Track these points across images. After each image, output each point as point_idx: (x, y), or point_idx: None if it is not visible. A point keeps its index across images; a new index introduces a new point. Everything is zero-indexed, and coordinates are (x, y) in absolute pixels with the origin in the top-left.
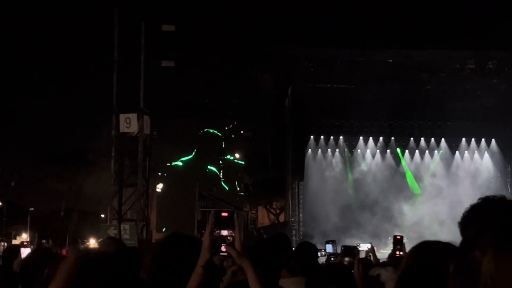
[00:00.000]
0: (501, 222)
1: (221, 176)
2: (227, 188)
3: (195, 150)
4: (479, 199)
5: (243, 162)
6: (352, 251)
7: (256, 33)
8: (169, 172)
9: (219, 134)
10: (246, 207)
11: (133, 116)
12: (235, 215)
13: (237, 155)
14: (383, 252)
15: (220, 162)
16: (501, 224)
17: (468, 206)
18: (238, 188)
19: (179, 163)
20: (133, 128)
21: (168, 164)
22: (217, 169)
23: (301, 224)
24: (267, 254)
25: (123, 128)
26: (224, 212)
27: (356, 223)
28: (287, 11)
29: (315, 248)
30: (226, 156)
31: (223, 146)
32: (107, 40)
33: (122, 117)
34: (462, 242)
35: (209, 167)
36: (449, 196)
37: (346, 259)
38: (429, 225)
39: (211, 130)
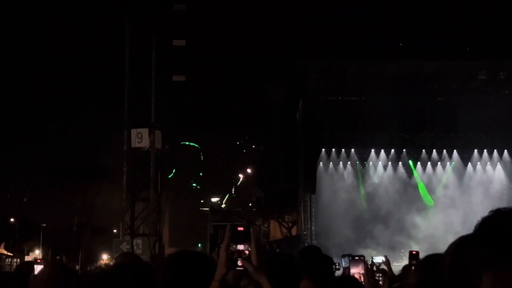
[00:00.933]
0: (486, 239)
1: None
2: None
3: (174, 168)
4: (490, 211)
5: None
6: (359, 261)
7: (266, 47)
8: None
9: (196, 145)
10: (258, 220)
11: (145, 131)
12: (251, 229)
13: (248, 170)
14: (397, 265)
15: (201, 173)
16: (489, 242)
17: (480, 219)
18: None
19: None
20: (145, 142)
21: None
22: (197, 184)
23: (313, 237)
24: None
25: (134, 143)
26: (240, 226)
27: (370, 235)
28: (296, 24)
29: (319, 251)
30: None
31: (202, 158)
32: (118, 55)
33: (133, 132)
34: (452, 270)
35: (194, 183)
36: (462, 207)
37: (354, 271)
38: (443, 236)
39: (187, 143)
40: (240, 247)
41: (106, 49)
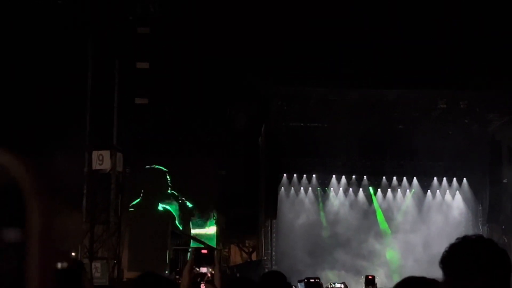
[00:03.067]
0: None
1: (175, 215)
2: (180, 228)
3: (142, 191)
4: (457, 238)
5: (191, 205)
6: (316, 285)
7: (230, 71)
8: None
9: (163, 168)
10: (218, 245)
11: (106, 153)
12: (215, 252)
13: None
14: None
15: (171, 194)
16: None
17: (448, 246)
18: (191, 229)
19: (131, 209)
20: (106, 165)
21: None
22: (170, 207)
23: (274, 262)
24: None
25: (95, 165)
26: (204, 249)
27: (330, 261)
28: (260, 50)
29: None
30: (175, 193)
31: (169, 180)
32: (80, 77)
33: (94, 153)
34: None
35: (161, 205)
36: (421, 235)
37: None
38: (403, 262)
39: (155, 166)
40: (203, 270)
41: (68, 70)
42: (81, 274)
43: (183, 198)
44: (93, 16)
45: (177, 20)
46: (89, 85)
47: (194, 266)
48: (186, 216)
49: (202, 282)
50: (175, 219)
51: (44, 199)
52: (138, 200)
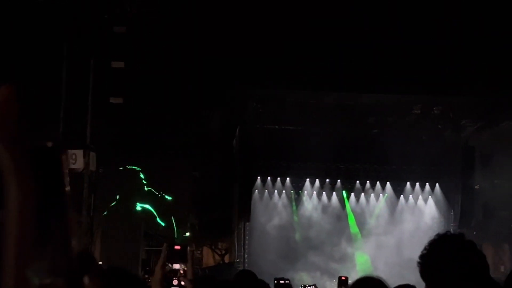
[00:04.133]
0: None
1: (154, 212)
2: (163, 224)
3: (118, 194)
4: (436, 235)
5: (170, 198)
6: (285, 287)
7: (205, 72)
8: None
9: (136, 168)
10: (191, 246)
11: (79, 153)
12: (188, 248)
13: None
14: None
15: (148, 192)
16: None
17: (427, 244)
18: (174, 224)
19: (105, 212)
20: (79, 164)
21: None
22: (149, 205)
23: (246, 265)
24: None
25: (68, 164)
26: (177, 245)
27: (303, 264)
28: (236, 51)
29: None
30: (152, 190)
31: (143, 177)
32: (55, 76)
33: (68, 153)
34: None
35: (139, 205)
36: (393, 239)
37: None
38: (375, 265)
39: (129, 167)
40: (176, 266)
41: (42, 68)
42: (60, 159)
43: (161, 193)
44: (69, 14)
45: (154, 20)
46: (64, 84)
47: (166, 262)
48: (167, 211)
49: (174, 278)
50: (155, 218)
51: (23, 182)
52: (114, 203)
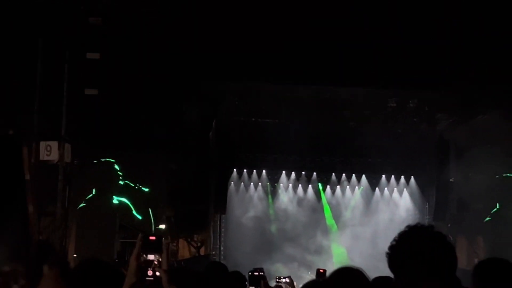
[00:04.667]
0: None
1: (131, 206)
2: (140, 218)
3: (93, 187)
4: (406, 226)
5: (147, 189)
6: (259, 279)
7: (182, 65)
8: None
9: (111, 160)
10: (167, 239)
11: (54, 144)
12: (163, 239)
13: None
14: None
15: (124, 185)
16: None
17: (397, 235)
18: (152, 217)
19: (83, 204)
20: (54, 156)
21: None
22: (126, 198)
23: (222, 257)
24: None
25: (43, 155)
26: (152, 236)
27: (279, 256)
28: (212, 44)
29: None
30: (128, 182)
31: (118, 169)
32: (29, 67)
33: (42, 144)
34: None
35: (116, 198)
36: (368, 231)
37: None
38: (351, 258)
39: (103, 159)
40: (151, 257)
41: (17, 59)
42: (20, 147)
43: (138, 185)
44: (44, 5)
45: (130, 11)
46: (39, 75)
47: (141, 253)
48: (145, 203)
49: (149, 269)
50: (131, 211)
51: None
52: (90, 195)
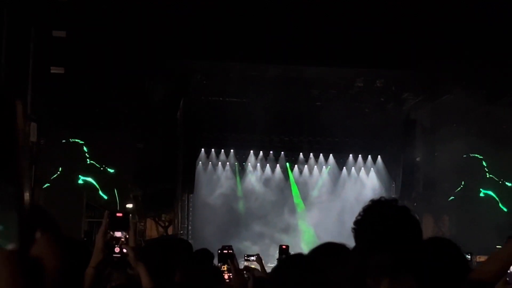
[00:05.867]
0: (393, 249)
1: (97, 186)
2: (105, 198)
3: (59, 166)
4: (370, 200)
5: (112, 170)
6: (227, 257)
7: (149, 44)
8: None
9: (79, 141)
10: (134, 218)
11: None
12: (130, 215)
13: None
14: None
15: (90, 165)
16: (393, 253)
17: (361, 210)
18: (117, 197)
19: (47, 184)
20: None
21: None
22: (92, 178)
23: (190, 237)
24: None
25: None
26: (119, 212)
27: (247, 235)
28: (179, 23)
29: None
30: (94, 163)
31: (86, 150)
32: None
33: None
34: (354, 267)
35: (81, 177)
36: (335, 209)
37: (224, 267)
38: (318, 236)
39: (72, 139)
40: (118, 234)
41: None
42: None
43: (104, 166)
44: None
45: None
46: (3, 54)
47: (108, 230)
48: (110, 184)
49: (116, 245)
50: (98, 191)
51: None
52: (56, 175)
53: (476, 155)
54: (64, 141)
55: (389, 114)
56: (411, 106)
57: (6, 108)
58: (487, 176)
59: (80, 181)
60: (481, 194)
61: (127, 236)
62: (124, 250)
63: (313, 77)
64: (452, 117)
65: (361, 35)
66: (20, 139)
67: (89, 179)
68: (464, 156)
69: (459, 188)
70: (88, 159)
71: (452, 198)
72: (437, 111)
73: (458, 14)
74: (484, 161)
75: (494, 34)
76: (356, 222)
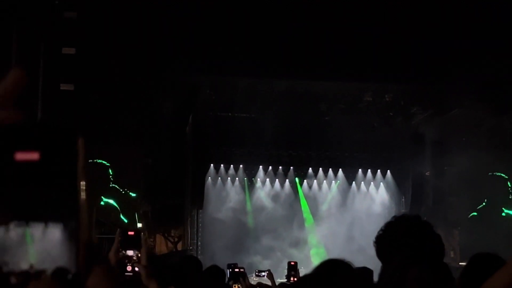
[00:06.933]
0: (423, 255)
1: (118, 209)
2: (126, 221)
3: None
4: (393, 217)
5: (134, 194)
6: (238, 275)
7: (158, 59)
8: None
9: (105, 163)
10: (144, 234)
11: None
12: (142, 234)
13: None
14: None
15: (112, 188)
16: (423, 259)
17: (383, 225)
18: (137, 220)
19: None
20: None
21: None
22: (114, 201)
23: (199, 252)
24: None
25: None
26: (131, 231)
27: (256, 250)
28: (189, 38)
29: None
30: (116, 186)
31: (111, 173)
32: (4, 61)
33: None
34: (387, 276)
35: (104, 199)
36: (345, 225)
37: (236, 286)
38: (328, 252)
39: (98, 160)
40: (130, 252)
41: None
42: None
43: (126, 189)
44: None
45: (105, 5)
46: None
47: (120, 249)
48: (131, 208)
49: (128, 264)
50: (119, 213)
51: None
52: None
53: (499, 173)
54: (91, 161)
55: (398, 128)
56: (420, 120)
57: (67, 146)
58: (509, 198)
59: (102, 203)
60: (503, 214)
61: (139, 254)
62: (136, 269)
63: (322, 91)
64: (462, 131)
65: (370, 50)
66: (82, 179)
67: (111, 201)
68: (474, 170)
69: (481, 205)
70: (111, 183)
71: (474, 214)
72: (446, 124)
73: (467, 29)
74: (507, 178)
75: (502, 46)
76: (378, 237)
